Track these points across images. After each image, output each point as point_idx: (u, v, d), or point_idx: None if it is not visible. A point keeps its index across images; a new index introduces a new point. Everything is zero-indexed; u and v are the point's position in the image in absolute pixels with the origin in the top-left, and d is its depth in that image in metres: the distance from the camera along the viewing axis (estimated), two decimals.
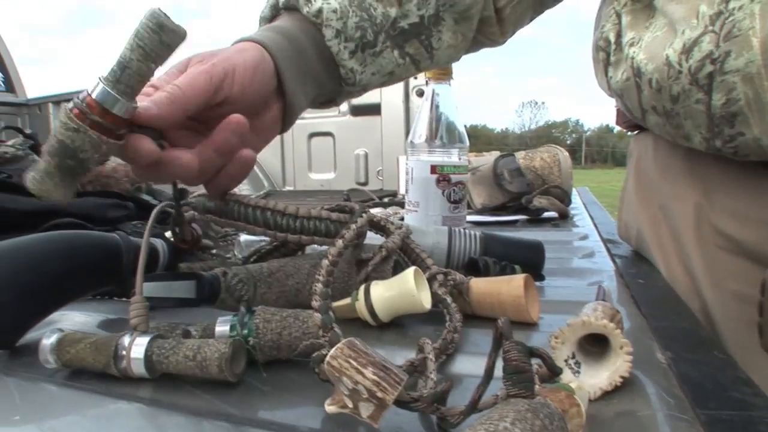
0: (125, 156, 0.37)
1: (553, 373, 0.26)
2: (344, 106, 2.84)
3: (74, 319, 0.48)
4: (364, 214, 0.43)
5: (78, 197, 0.87)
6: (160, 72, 0.37)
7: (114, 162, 1.08)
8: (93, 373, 0.37)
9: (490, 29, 0.56)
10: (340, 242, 0.36)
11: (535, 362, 0.32)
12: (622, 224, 0.71)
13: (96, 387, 0.35)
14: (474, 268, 0.55)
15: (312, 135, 2.98)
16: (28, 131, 0.96)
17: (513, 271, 0.55)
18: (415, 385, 0.32)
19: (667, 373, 0.32)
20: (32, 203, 0.77)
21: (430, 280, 0.46)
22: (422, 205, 0.76)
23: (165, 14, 0.35)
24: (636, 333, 0.40)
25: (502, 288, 0.46)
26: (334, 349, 0.27)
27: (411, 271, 0.42)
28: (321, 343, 0.31)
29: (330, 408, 0.29)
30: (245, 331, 0.36)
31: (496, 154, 1.24)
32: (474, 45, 0.58)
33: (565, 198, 1.13)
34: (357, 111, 2.78)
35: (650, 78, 0.46)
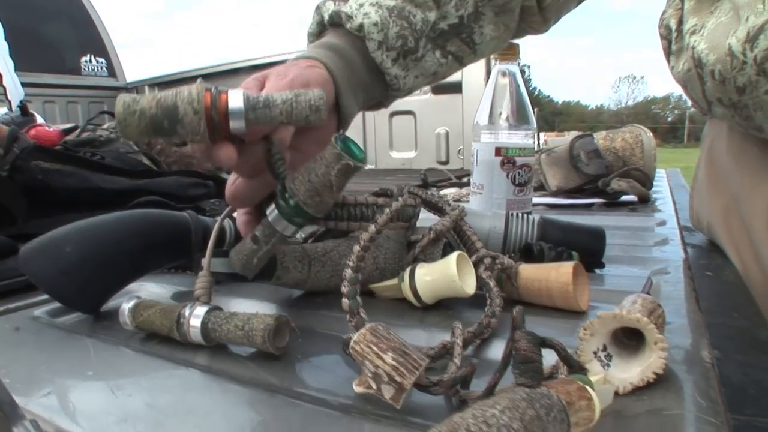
0: (205, 151, 0.38)
1: (568, 365, 0.26)
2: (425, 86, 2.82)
3: (150, 289, 0.53)
4: (400, 198, 0.43)
5: (163, 177, 0.94)
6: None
7: None
8: (161, 340, 0.41)
9: (532, 18, 0.54)
10: (372, 227, 0.37)
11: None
12: (693, 213, 0.66)
13: (160, 352, 0.39)
14: (529, 253, 0.54)
15: (393, 114, 2.99)
16: None
17: (569, 258, 0.53)
18: (446, 367, 0.33)
19: (709, 373, 0.31)
20: (123, 183, 0.85)
21: (477, 263, 0.46)
22: (486, 188, 0.75)
23: (325, 104, 0.36)
24: (688, 329, 0.38)
25: (550, 274, 0.45)
26: (357, 334, 0.28)
27: (454, 255, 0.43)
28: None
29: (357, 389, 0.31)
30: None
31: (574, 134, 1.18)
32: (518, 33, 0.56)
33: (646, 181, 1.06)
34: (438, 89, 2.75)
35: (712, 69, 0.43)
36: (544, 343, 0.24)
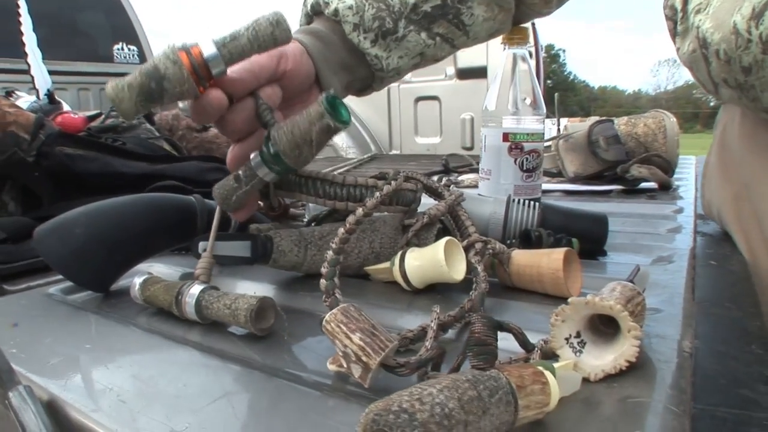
0: (197, 104, 0.42)
1: (525, 349, 0.26)
2: (450, 70, 2.79)
3: (158, 270, 0.55)
4: (393, 182, 0.44)
5: (182, 162, 0.97)
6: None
7: (215, 129, 1.18)
8: (162, 318, 0.43)
9: (530, 0, 0.54)
10: (360, 210, 0.37)
11: (541, 339, 0.32)
12: (705, 201, 0.64)
13: (159, 329, 0.41)
14: (527, 239, 0.54)
15: (418, 99, 2.97)
16: None
17: (569, 244, 0.53)
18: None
19: (685, 363, 0.31)
20: (143, 168, 0.87)
21: (468, 248, 0.46)
22: (494, 174, 0.74)
23: (284, 18, 0.41)
24: (677, 318, 0.37)
25: (542, 260, 0.45)
26: (329, 314, 0.29)
27: (443, 241, 0.43)
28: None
29: (331, 367, 0.32)
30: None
31: (594, 119, 1.16)
32: (521, 16, 0.56)
33: (668, 168, 1.03)
34: (463, 74, 2.72)
35: (717, 49, 0.41)
36: (501, 326, 0.24)
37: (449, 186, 0.56)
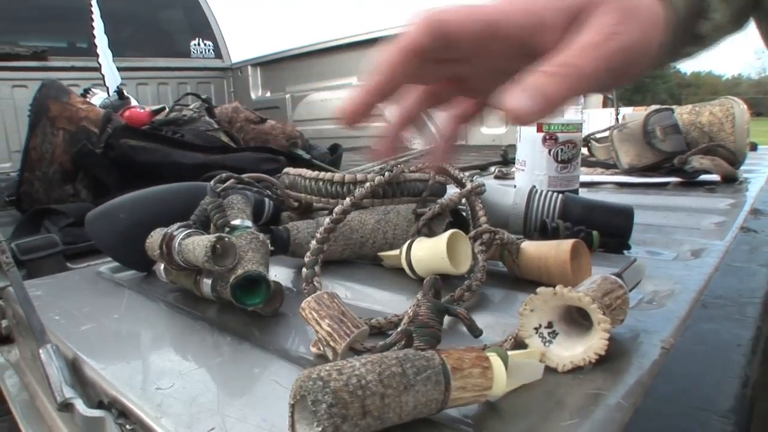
0: None
1: (473, 334, 0.27)
2: None
3: None
4: (383, 176, 0.45)
5: (238, 152, 1.03)
6: None
7: (273, 121, 1.24)
8: (187, 297, 0.47)
9: None
10: (348, 200, 0.39)
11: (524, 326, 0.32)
12: None
13: (181, 305, 0.45)
14: (544, 231, 0.53)
15: None
16: (204, 96, 1.15)
17: (588, 236, 0.52)
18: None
19: (656, 359, 0.30)
20: (199, 158, 0.94)
21: (475, 238, 0.46)
22: (529, 165, 0.74)
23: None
24: (674, 315, 0.36)
25: (549, 252, 0.45)
26: (304, 301, 0.31)
27: (446, 234, 0.44)
28: None
29: (313, 349, 0.34)
30: None
31: (655, 107, 1.10)
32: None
33: (733, 159, 0.97)
34: None
35: None
36: (448, 311, 0.26)
37: (473, 177, 0.57)
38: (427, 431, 0.24)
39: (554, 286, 0.31)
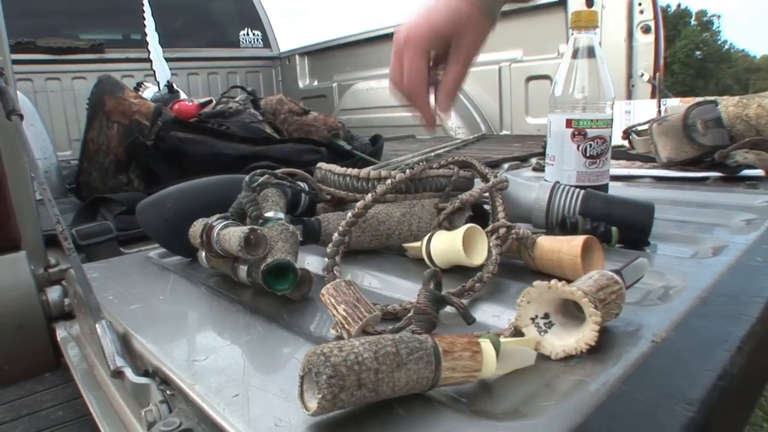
0: None
1: (466, 322, 0.30)
2: (563, 47, 2.66)
3: None
4: (404, 173, 0.48)
5: (281, 144, 1.07)
6: None
7: (315, 112, 1.28)
8: (227, 283, 0.51)
9: None
10: (369, 196, 0.42)
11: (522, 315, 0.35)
12: None
13: (219, 288, 0.50)
14: (564, 226, 0.55)
15: (529, 78, 2.87)
16: (249, 89, 1.20)
17: (607, 232, 0.54)
18: None
19: (644, 352, 0.32)
20: (244, 150, 0.99)
21: (491, 232, 0.49)
22: (557, 160, 0.74)
23: None
24: (676, 311, 0.38)
25: (562, 246, 0.47)
26: (324, 288, 0.35)
27: (463, 228, 0.47)
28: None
29: (332, 331, 0.38)
30: None
31: (697, 100, 1.07)
32: None
33: None
34: (576, 53, 2.58)
35: None
36: (445, 300, 0.28)
37: (497, 173, 0.59)
38: (422, 404, 0.28)
39: (567, 280, 0.34)
